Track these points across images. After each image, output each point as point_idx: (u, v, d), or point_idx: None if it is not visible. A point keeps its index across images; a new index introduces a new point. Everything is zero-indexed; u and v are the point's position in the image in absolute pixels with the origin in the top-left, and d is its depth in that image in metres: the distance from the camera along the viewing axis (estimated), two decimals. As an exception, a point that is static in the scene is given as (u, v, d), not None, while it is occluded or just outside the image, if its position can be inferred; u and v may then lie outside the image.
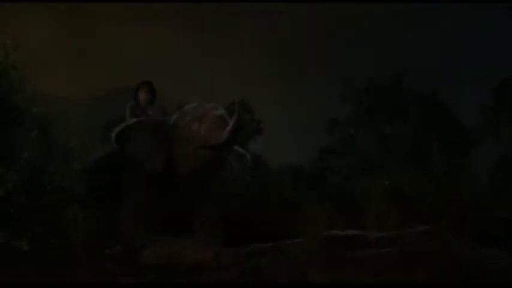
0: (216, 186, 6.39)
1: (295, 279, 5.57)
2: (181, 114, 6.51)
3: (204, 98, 6.98)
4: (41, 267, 6.04)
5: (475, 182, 10.27)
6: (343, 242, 5.90)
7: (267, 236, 6.31)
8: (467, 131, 19.32)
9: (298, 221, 10.98)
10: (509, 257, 5.66)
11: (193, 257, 5.90)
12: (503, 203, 9.50)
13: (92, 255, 6.73)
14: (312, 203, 13.42)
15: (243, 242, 6.24)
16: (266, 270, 5.64)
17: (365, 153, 19.77)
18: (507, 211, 9.28)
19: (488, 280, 5.32)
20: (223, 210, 6.57)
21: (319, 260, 5.63)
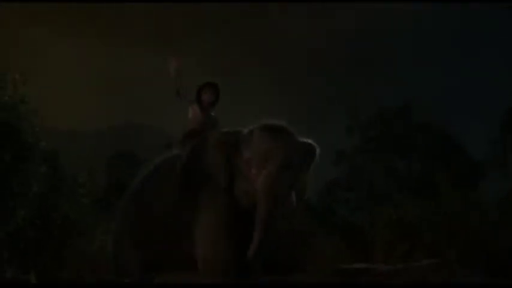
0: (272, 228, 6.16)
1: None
2: (247, 137, 6.17)
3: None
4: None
5: (483, 214, 10.24)
6: (350, 275, 5.92)
7: (275, 269, 6.28)
8: (476, 163, 19.23)
9: (306, 253, 10.96)
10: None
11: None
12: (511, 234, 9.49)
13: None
14: (320, 236, 13.39)
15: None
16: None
17: (372, 185, 19.72)
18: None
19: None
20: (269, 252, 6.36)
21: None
